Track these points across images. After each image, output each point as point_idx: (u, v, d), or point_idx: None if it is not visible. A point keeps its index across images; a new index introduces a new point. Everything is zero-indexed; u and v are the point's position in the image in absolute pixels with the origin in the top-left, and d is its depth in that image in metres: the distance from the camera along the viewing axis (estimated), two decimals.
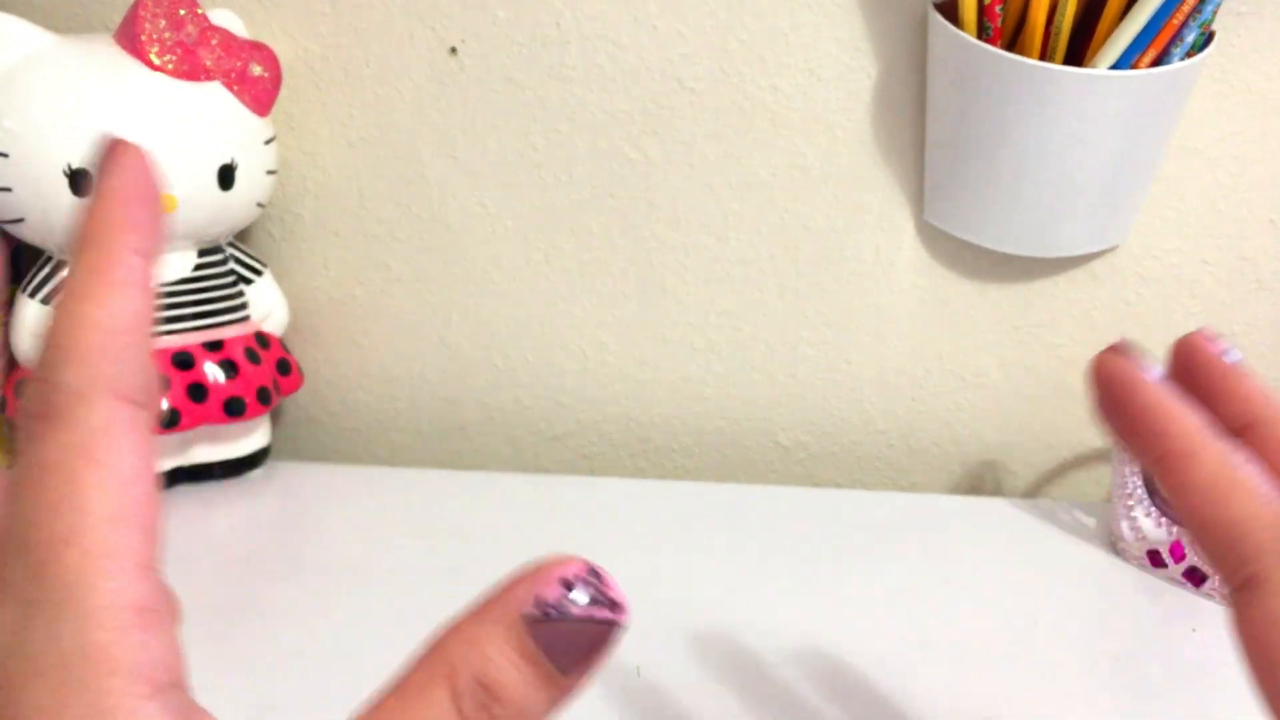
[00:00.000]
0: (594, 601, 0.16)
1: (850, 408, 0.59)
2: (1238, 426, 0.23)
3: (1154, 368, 0.23)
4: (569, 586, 0.16)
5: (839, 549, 0.49)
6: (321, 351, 0.60)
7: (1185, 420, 0.22)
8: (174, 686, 0.15)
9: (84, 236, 0.16)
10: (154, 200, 0.17)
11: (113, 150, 0.17)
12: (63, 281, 0.16)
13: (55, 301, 0.16)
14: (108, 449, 0.15)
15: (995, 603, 0.45)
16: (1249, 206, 0.53)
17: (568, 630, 0.16)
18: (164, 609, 0.15)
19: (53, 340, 0.15)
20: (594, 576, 0.17)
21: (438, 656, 0.16)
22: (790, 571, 0.47)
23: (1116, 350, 0.23)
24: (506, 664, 0.16)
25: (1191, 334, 0.24)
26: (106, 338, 0.15)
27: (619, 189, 0.56)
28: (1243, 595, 0.20)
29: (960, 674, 0.40)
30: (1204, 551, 0.21)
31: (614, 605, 0.17)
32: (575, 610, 0.16)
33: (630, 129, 0.55)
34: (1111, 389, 0.23)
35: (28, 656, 0.14)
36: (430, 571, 0.46)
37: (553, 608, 0.16)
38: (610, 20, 0.53)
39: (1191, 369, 0.24)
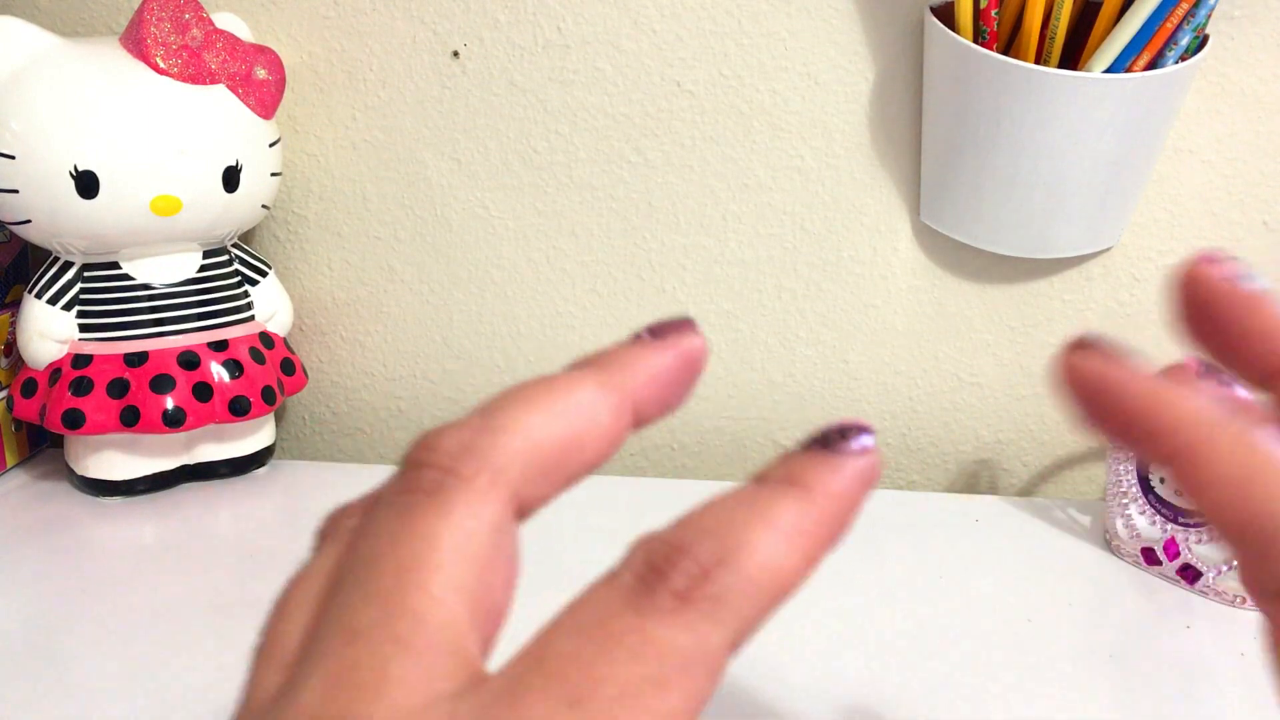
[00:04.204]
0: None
1: (848, 407, 0.59)
2: (1268, 372, 0.18)
3: (1127, 356, 0.19)
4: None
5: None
6: (325, 351, 0.61)
7: (1187, 405, 0.17)
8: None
9: (594, 358, 0.17)
10: (679, 376, 0.18)
11: (682, 325, 0.18)
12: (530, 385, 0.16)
13: (511, 390, 0.16)
14: (486, 543, 0.15)
15: (991, 600, 0.45)
16: (1243, 208, 0.54)
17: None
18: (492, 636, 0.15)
19: (482, 420, 0.16)
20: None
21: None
22: None
23: (1083, 348, 0.19)
24: None
25: (1195, 260, 0.19)
26: (531, 452, 0.16)
27: (619, 191, 0.56)
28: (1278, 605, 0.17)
29: (955, 670, 0.40)
30: (1233, 554, 0.17)
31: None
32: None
33: (630, 131, 0.55)
34: (1092, 396, 0.19)
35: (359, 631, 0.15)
36: None
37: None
38: (610, 24, 0.54)
39: (1200, 306, 0.19)
